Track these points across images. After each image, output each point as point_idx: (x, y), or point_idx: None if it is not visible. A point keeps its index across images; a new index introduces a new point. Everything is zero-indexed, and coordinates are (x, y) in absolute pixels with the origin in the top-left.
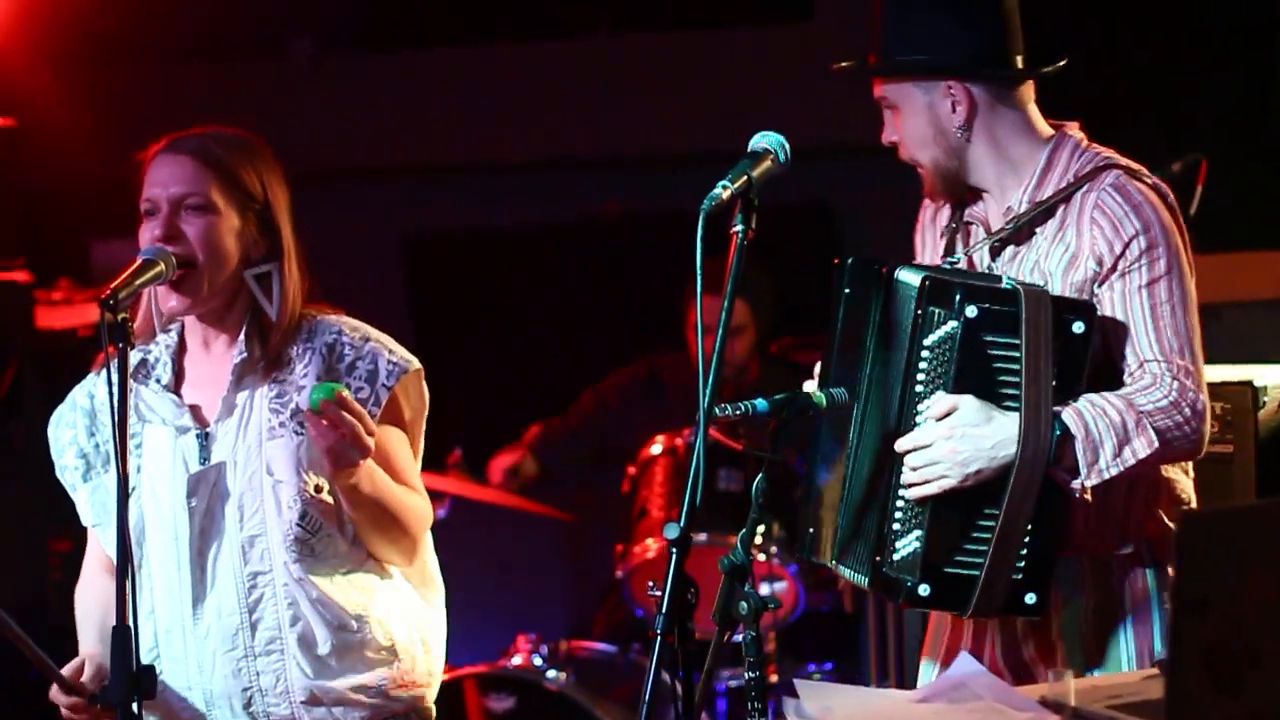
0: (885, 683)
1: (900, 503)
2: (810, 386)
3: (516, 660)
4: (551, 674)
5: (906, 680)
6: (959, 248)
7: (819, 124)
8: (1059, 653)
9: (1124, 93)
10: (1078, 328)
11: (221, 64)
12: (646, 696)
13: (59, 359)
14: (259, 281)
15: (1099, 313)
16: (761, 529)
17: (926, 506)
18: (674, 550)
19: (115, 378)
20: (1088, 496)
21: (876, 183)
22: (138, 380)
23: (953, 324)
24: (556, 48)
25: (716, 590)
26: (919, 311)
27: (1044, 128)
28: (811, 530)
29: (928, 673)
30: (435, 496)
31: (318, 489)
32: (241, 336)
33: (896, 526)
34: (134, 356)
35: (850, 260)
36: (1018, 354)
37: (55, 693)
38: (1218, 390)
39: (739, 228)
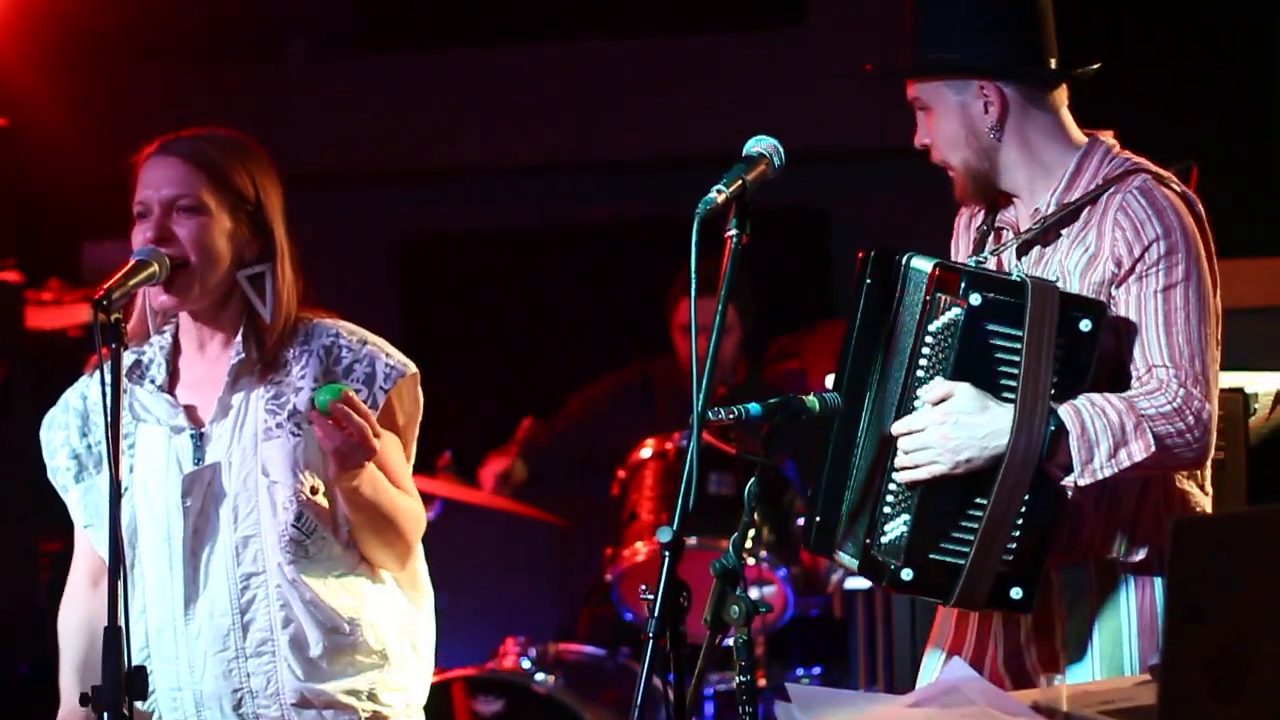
0: (874, 687)
1: (892, 486)
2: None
3: (505, 663)
4: (540, 677)
5: (896, 684)
6: (987, 249)
7: (812, 128)
8: (1062, 661)
9: (1117, 97)
10: (1084, 325)
11: (215, 66)
12: (638, 700)
13: (49, 359)
14: (252, 282)
15: (1114, 314)
16: (751, 533)
17: (916, 491)
18: (666, 553)
19: (109, 378)
20: (1079, 496)
21: (870, 187)
22: (132, 380)
23: (956, 311)
24: (549, 51)
25: (706, 594)
26: (927, 298)
27: (1077, 133)
28: (818, 519)
29: (932, 664)
30: (425, 499)
31: (313, 490)
32: (238, 338)
33: (887, 510)
34: (128, 357)
35: (873, 251)
36: (1019, 345)
37: None
38: None
39: (734, 232)
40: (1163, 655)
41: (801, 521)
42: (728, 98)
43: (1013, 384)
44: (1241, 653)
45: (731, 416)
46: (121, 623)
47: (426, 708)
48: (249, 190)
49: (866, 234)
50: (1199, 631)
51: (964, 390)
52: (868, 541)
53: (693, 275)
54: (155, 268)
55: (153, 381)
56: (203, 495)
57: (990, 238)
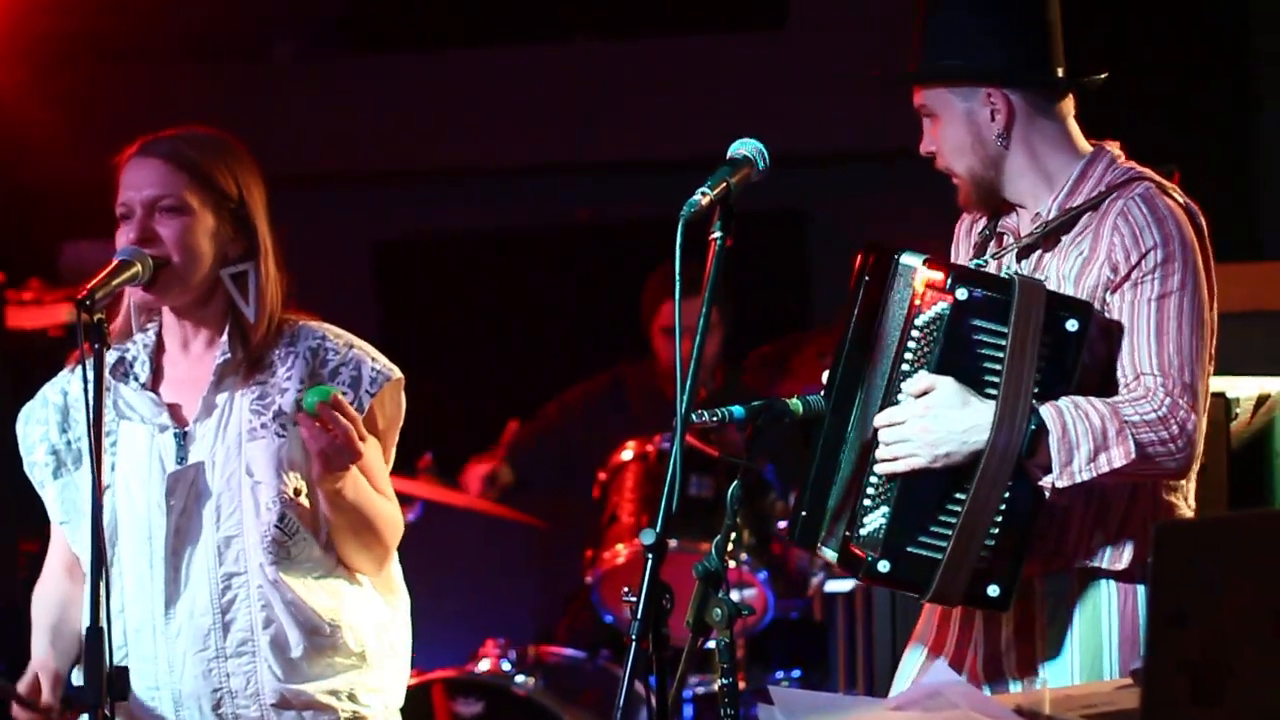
0: (854, 690)
1: (873, 479)
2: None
3: (485, 665)
4: (520, 679)
5: (876, 687)
6: (989, 253)
7: (792, 131)
8: (1041, 668)
9: (1097, 103)
10: (1071, 325)
11: (200, 66)
12: (621, 702)
13: (29, 359)
14: (236, 280)
15: (1107, 318)
16: (732, 536)
17: (895, 484)
18: (650, 556)
19: (91, 376)
20: (1067, 502)
21: (851, 190)
22: (115, 378)
23: (943, 305)
24: (532, 53)
25: (687, 596)
26: (914, 292)
27: (1083, 142)
28: (804, 514)
29: (911, 661)
30: (405, 501)
31: (297, 491)
32: (224, 338)
33: (867, 503)
34: (111, 355)
35: (872, 249)
36: (1005, 342)
37: (18, 711)
38: None
39: (718, 234)
40: (1145, 659)
41: (783, 525)
42: (708, 101)
43: (995, 380)
44: (1222, 657)
45: (715, 419)
46: (103, 623)
47: (406, 709)
48: (231, 188)
49: (844, 237)
50: (1181, 636)
51: (946, 384)
52: (847, 534)
53: (677, 278)
54: (138, 268)
55: (136, 379)
56: (186, 494)
57: (992, 242)
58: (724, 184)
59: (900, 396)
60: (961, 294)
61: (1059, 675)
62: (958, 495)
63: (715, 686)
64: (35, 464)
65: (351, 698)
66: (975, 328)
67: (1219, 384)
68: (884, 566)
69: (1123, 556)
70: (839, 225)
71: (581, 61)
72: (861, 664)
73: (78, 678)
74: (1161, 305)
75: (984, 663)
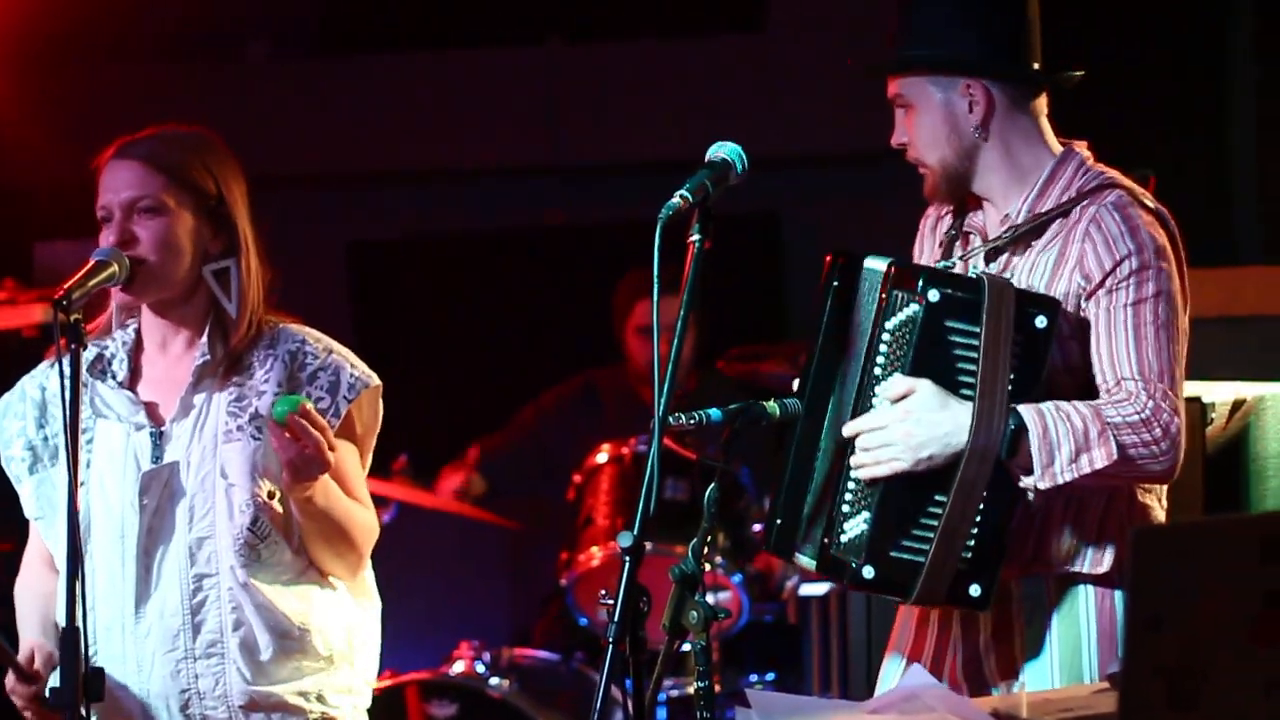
0: (828, 693)
1: (851, 484)
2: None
3: (459, 667)
4: (494, 681)
5: (850, 691)
6: (955, 254)
7: (767, 135)
8: (1020, 670)
9: (1072, 106)
10: (1040, 322)
11: (174, 66)
12: (597, 705)
13: (3, 359)
14: (218, 277)
15: (1080, 318)
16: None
17: (876, 489)
18: (627, 558)
19: (68, 372)
20: (1045, 504)
21: (824, 193)
22: (93, 375)
23: (914, 307)
24: (507, 55)
25: (662, 599)
26: (883, 296)
27: (1054, 141)
28: (779, 522)
29: (892, 669)
30: (380, 502)
31: (270, 495)
32: (204, 339)
33: (846, 509)
34: (90, 351)
35: (840, 255)
36: (977, 342)
37: (12, 683)
38: None
39: (696, 237)
40: (1122, 664)
41: (758, 527)
42: (684, 104)
43: (971, 380)
44: (1198, 662)
45: (692, 422)
46: (79, 623)
47: (380, 711)
48: (209, 186)
49: (817, 239)
50: (1157, 640)
51: (925, 386)
52: (825, 541)
53: (655, 281)
54: (115, 268)
55: (114, 377)
56: (160, 494)
57: (958, 242)
58: (702, 187)
59: (875, 400)
60: (933, 295)
61: (1038, 677)
62: (938, 498)
63: (690, 689)
64: (12, 459)
65: (320, 699)
66: (948, 329)
67: (1194, 389)
68: (869, 573)
69: (1101, 560)
70: (814, 228)
71: (555, 64)
72: (836, 667)
73: (54, 680)
74: (1138, 311)
75: (963, 665)
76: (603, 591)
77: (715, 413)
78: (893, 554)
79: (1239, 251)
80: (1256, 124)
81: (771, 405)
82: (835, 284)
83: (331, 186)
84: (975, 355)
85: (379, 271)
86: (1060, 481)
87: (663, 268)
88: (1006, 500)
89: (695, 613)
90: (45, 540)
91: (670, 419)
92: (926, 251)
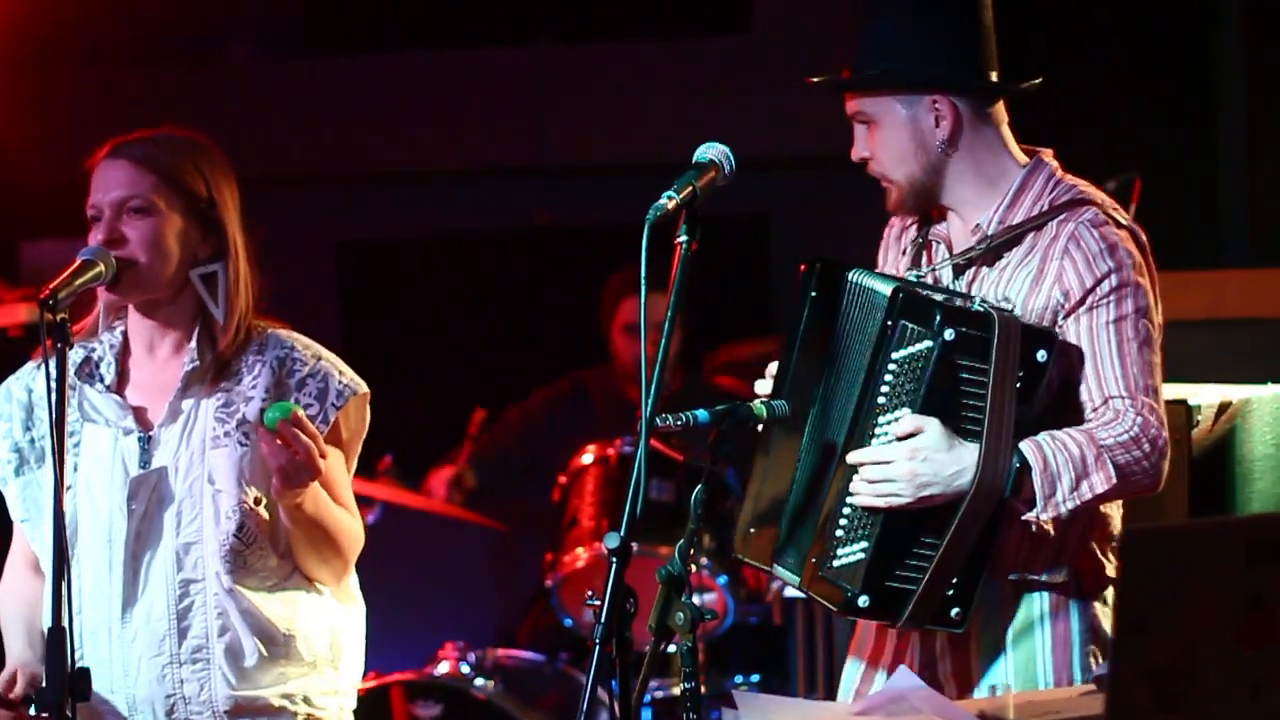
0: (813, 695)
1: (848, 510)
2: (764, 386)
3: (444, 668)
4: (479, 682)
5: (835, 693)
6: (923, 264)
7: (755, 136)
8: (974, 674)
9: (1059, 109)
10: (1041, 356)
11: (159, 67)
12: (584, 706)
13: None
14: (205, 281)
15: (1063, 340)
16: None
17: (877, 520)
18: (614, 559)
19: (54, 373)
20: (1049, 529)
21: (811, 195)
22: (81, 379)
23: (927, 343)
24: (494, 56)
25: (647, 600)
26: (888, 323)
27: (1017, 149)
28: (752, 530)
29: (853, 673)
30: (365, 503)
31: (257, 501)
32: (193, 344)
33: (840, 533)
34: (77, 353)
35: (819, 264)
36: (985, 379)
37: None
38: None
39: (683, 238)
40: (1110, 666)
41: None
42: (670, 105)
43: (975, 415)
44: (1186, 665)
45: (679, 423)
46: (65, 623)
47: (365, 712)
48: (200, 189)
49: (806, 241)
50: (1145, 643)
51: (934, 427)
52: (814, 561)
53: (643, 282)
54: (101, 267)
55: (102, 381)
56: (148, 499)
57: (924, 251)
58: (690, 188)
59: (879, 430)
60: (950, 334)
61: (997, 683)
62: (938, 531)
63: (674, 691)
64: None
65: (306, 701)
66: (959, 366)
67: (1180, 391)
68: (864, 601)
69: (1059, 569)
70: (802, 229)
71: (543, 64)
72: (821, 669)
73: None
74: (1119, 328)
75: (920, 670)
76: (589, 592)
77: (702, 414)
78: (888, 583)
79: (1226, 254)
80: (1244, 126)
81: (759, 406)
82: (813, 294)
83: (319, 187)
84: (982, 393)
85: (366, 272)
86: (1063, 511)
87: (651, 267)
88: (994, 528)
89: (682, 614)
90: (31, 543)
91: (657, 420)
92: (890, 260)
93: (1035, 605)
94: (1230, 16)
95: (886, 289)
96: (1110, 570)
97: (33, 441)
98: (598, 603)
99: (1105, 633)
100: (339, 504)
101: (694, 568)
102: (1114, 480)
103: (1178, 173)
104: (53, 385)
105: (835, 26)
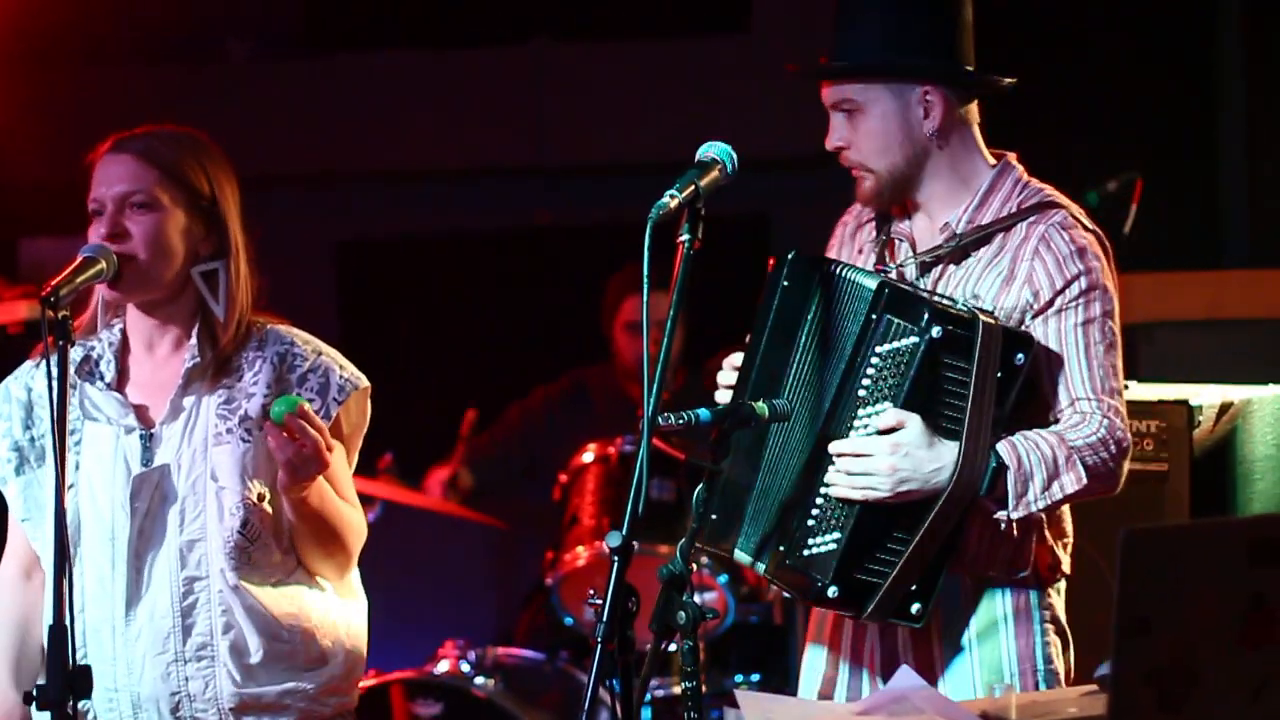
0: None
1: (820, 500)
2: (728, 378)
3: (444, 666)
4: (479, 680)
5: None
6: (887, 262)
7: (755, 135)
8: (938, 666)
9: (1060, 110)
10: (1019, 359)
11: (157, 66)
12: (586, 704)
13: None
14: (206, 279)
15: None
16: None
17: (851, 512)
18: (616, 558)
19: (54, 370)
20: (1014, 527)
21: (812, 194)
22: (81, 377)
23: (913, 339)
24: (492, 55)
25: (646, 599)
26: (873, 316)
27: (985, 150)
28: (716, 517)
29: (813, 660)
30: (366, 501)
31: (260, 497)
32: (193, 341)
33: (812, 523)
34: (77, 352)
35: (791, 255)
36: (966, 379)
37: None
38: (1152, 409)
39: (685, 237)
40: (1112, 666)
41: None
42: (670, 104)
43: (954, 415)
44: (1188, 665)
45: (681, 422)
46: (67, 621)
47: (365, 710)
48: (203, 186)
49: (806, 241)
50: (1146, 643)
51: (915, 423)
52: (782, 549)
53: (645, 280)
54: (103, 264)
55: (102, 379)
56: (151, 497)
57: (886, 249)
58: (692, 186)
59: (858, 422)
60: (937, 332)
61: (959, 677)
62: (909, 526)
63: (675, 690)
64: None
65: (309, 699)
66: (943, 364)
67: (1182, 392)
68: (833, 592)
69: (1019, 563)
70: (802, 229)
71: (542, 64)
72: None
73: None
74: (1086, 331)
75: (882, 662)
76: (591, 591)
77: (704, 413)
78: (858, 575)
79: (1227, 254)
80: (1245, 126)
81: (761, 406)
82: (785, 284)
83: (318, 187)
84: (963, 392)
85: (366, 272)
86: (1034, 510)
87: (653, 266)
88: (961, 527)
89: (683, 613)
90: (33, 542)
91: (659, 419)
92: (845, 258)
93: (997, 599)
94: (1230, 16)
95: (872, 283)
96: (1065, 565)
97: (33, 440)
98: (600, 601)
99: (1062, 622)
100: (341, 497)
101: (695, 566)
102: (1083, 481)
103: (1178, 173)
104: (54, 383)
105: (834, 25)
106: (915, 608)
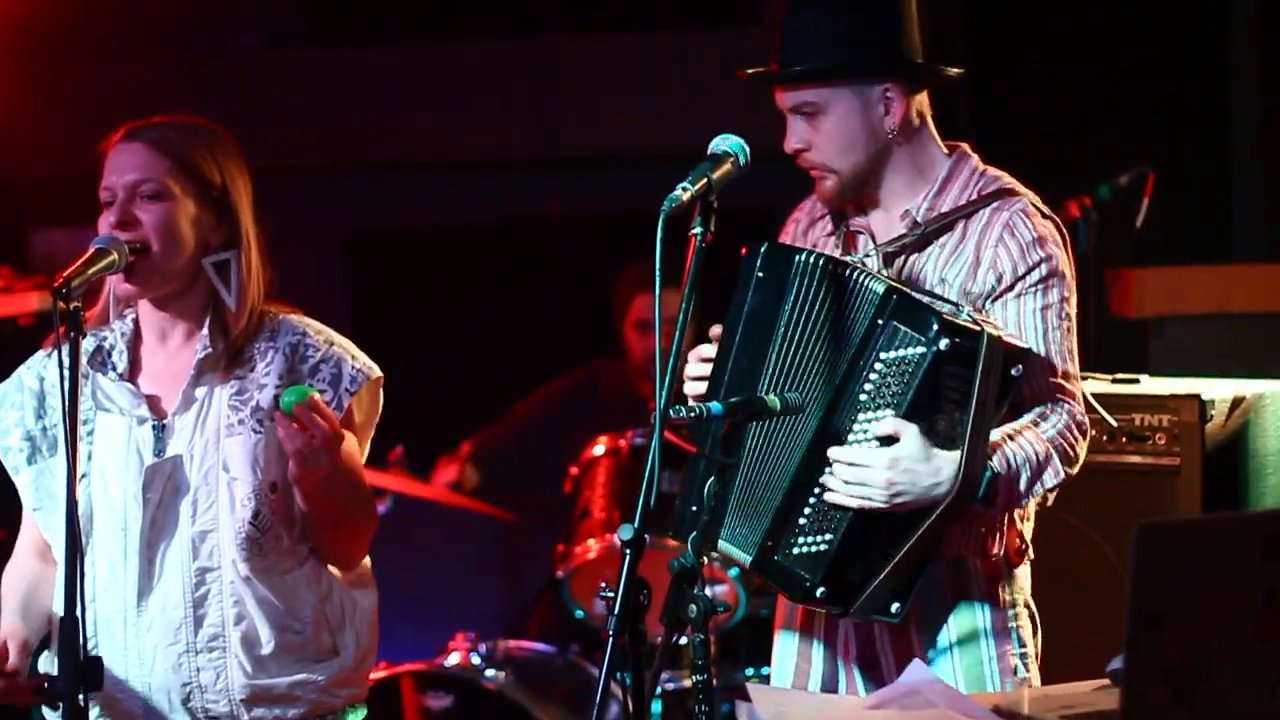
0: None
1: (813, 501)
2: (699, 369)
3: (454, 659)
4: (490, 673)
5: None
6: (860, 253)
7: (763, 129)
8: (916, 648)
9: (1073, 104)
10: (1015, 371)
11: (165, 57)
12: (597, 697)
13: None
14: (218, 270)
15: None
16: None
17: (845, 516)
18: (628, 551)
19: (66, 361)
20: (992, 519)
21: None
22: (94, 368)
23: (920, 349)
24: (503, 46)
25: (656, 591)
26: (879, 321)
27: (938, 138)
28: (694, 509)
29: (784, 646)
30: (376, 493)
31: (272, 488)
32: (205, 331)
33: (803, 522)
34: (89, 342)
35: (765, 246)
36: (968, 390)
37: None
38: (1164, 403)
39: (698, 230)
40: (1125, 661)
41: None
42: (678, 97)
43: (952, 423)
44: (1201, 659)
45: (693, 415)
46: (78, 612)
47: (375, 702)
48: (215, 176)
49: None
50: (1160, 638)
51: (912, 434)
52: (770, 544)
53: (657, 273)
54: (114, 256)
55: (115, 369)
56: (163, 487)
57: (847, 240)
58: (704, 179)
59: (859, 428)
60: (944, 344)
61: (938, 660)
62: (903, 531)
63: (685, 683)
64: (9, 449)
65: (320, 690)
66: (946, 374)
67: (1193, 386)
68: (821, 591)
69: (991, 544)
70: None
71: (553, 56)
72: None
73: (45, 663)
74: (1045, 315)
75: (859, 647)
76: (603, 584)
77: (716, 406)
78: (846, 577)
79: (1238, 249)
80: (1257, 121)
81: (772, 399)
82: (759, 275)
83: (327, 178)
84: (963, 402)
85: (375, 263)
86: (1019, 505)
87: (664, 261)
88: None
89: (694, 606)
90: (44, 531)
91: (671, 412)
92: None
93: (971, 581)
94: (1244, 12)
95: (880, 286)
96: (1030, 546)
97: (45, 430)
98: (611, 594)
99: (1031, 603)
100: (353, 489)
101: (706, 559)
102: (1060, 474)
103: (1191, 167)
104: (66, 376)
105: (780, 28)
106: (895, 606)
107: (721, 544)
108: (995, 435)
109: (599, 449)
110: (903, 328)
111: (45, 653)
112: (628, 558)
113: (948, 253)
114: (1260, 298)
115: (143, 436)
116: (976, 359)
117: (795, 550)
